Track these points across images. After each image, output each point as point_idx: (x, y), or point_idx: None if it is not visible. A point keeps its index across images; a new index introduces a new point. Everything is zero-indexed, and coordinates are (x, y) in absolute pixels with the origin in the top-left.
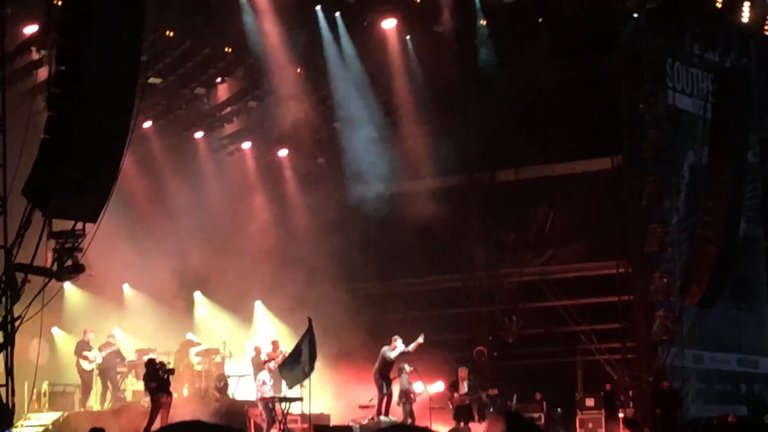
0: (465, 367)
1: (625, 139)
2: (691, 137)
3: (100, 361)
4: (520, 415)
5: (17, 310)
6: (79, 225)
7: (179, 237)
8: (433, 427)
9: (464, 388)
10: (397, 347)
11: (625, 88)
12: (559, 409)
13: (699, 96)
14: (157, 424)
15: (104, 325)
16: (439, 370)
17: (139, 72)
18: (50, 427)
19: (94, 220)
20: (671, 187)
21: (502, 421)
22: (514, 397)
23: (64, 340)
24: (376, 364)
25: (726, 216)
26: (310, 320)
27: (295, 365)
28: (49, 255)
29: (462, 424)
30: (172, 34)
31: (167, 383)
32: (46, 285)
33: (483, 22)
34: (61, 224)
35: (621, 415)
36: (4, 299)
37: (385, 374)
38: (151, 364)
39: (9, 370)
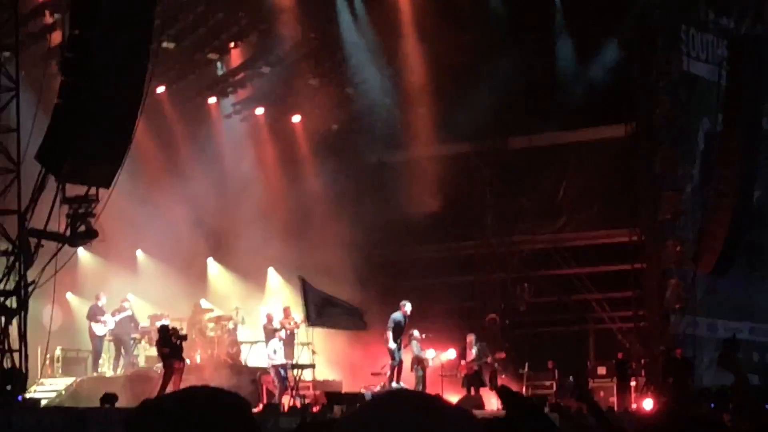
0: (472, 333)
1: (639, 106)
2: (705, 104)
3: (112, 326)
4: (512, 391)
5: (31, 275)
6: (93, 190)
7: (192, 203)
8: (445, 395)
9: (472, 354)
10: (403, 312)
11: (639, 54)
12: (571, 377)
13: (713, 62)
14: (169, 390)
15: (117, 290)
16: (451, 338)
17: (152, 36)
18: (63, 392)
19: (107, 186)
20: (685, 155)
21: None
22: (526, 365)
23: (77, 306)
24: (387, 331)
25: (739, 184)
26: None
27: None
28: (63, 220)
29: (473, 391)
30: None
31: (180, 349)
32: (59, 250)
33: None
34: (74, 189)
35: (633, 383)
36: (17, 264)
37: (395, 340)
38: (163, 330)
39: (22, 336)
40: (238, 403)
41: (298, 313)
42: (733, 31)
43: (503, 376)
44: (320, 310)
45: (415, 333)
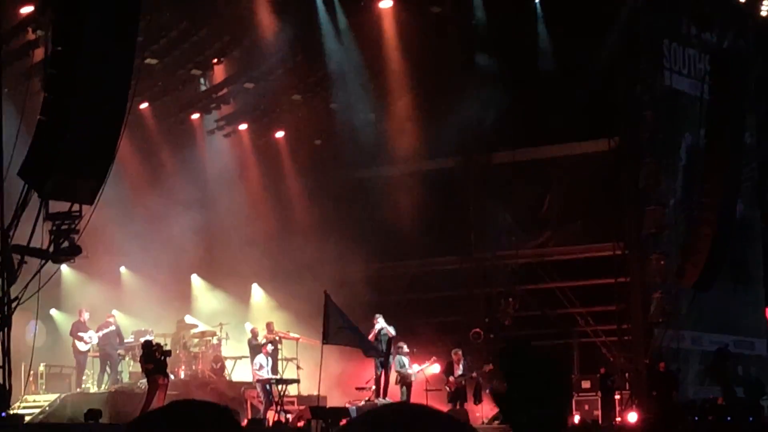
0: (458, 349)
1: (622, 121)
2: (688, 119)
3: (95, 341)
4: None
5: (14, 291)
6: (76, 206)
7: (176, 219)
8: None
9: (459, 370)
10: (376, 324)
11: (621, 69)
12: None
13: (696, 77)
14: (154, 406)
15: (101, 307)
16: (436, 352)
17: (135, 53)
18: (47, 408)
19: (90, 202)
20: (668, 169)
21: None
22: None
23: (61, 322)
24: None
25: (723, 198)
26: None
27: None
28: (46, 237)
29: (458, 406)
30: (168, 14)
31: (164, 365)
32: (42, 267)
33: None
34: (57, 206)
35: (617, 397)
36: (0, 281)
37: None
38: (147, 345)
39: (6, 352)
40: (227, 415)
41: (281, 328)
42: (716, 45)
43: (487, 390)
44: (337, 329)
45: (404, 347)
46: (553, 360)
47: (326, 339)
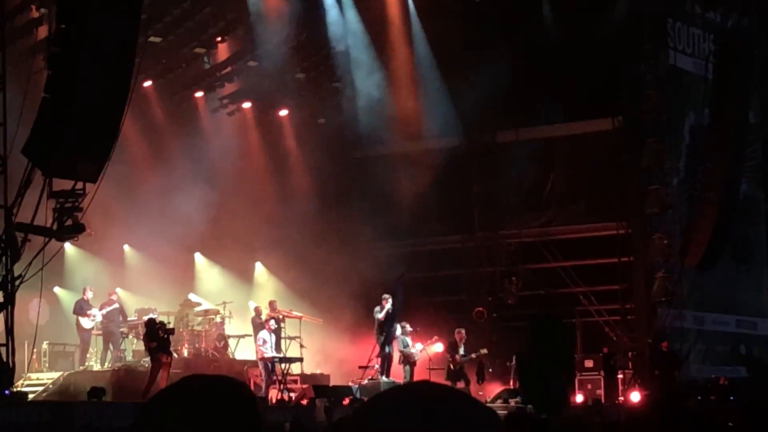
0: (462, 329)
1: (626, 100)
2: (691, 98)
3: (99, 319)
4: (544, 319)
5: (17, 269)
6: (80, 184)
7: (179, 197)
8: None
9: (461, 349)
10: (385, 306)
11: (625, 48)
12: None
13: (700, 56)
14: (157, 384)
15: (104, 285)
16: (439, 331)
17: (138, 30)
18: (50, 386)
19: (94, 180)
20: (672, 149)
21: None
22: (514, 357)
23: (65, 300)
24: (375, 325)
25: (726, 177)
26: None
27: None
28: (50, 215)
29: (458, 385)
30: None
31: (167, 343)
32: (46, 245)
33: None
34: (61, 184)
35: (620, 376)
36: (4, 259)
37: (381, 333)
38: (150, 323)
39: (9, 330)
40: (246, 392)
41: (284, 307)
42: (720, 24)
43: (490, 370)
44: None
45: (407, 327)
46: (569, 337)
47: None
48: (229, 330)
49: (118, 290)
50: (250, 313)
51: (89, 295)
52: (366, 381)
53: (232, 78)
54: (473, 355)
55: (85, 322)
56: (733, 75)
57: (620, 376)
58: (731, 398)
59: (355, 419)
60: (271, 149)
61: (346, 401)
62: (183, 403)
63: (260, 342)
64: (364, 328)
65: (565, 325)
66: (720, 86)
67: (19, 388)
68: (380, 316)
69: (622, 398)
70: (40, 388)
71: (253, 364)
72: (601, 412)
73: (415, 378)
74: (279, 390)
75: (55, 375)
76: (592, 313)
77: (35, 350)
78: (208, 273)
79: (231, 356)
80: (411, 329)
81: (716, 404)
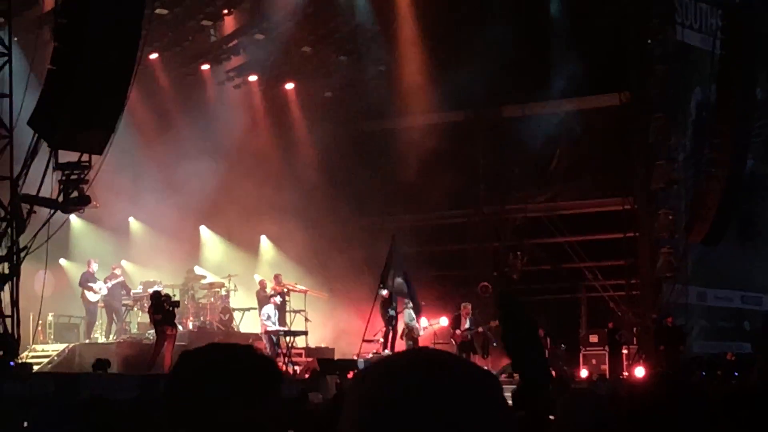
0: (468, 303)
1: (633, 75)
2: (698, 73)
3: (105, 292)
4: (511, 296)
5: (23, 241)
6: (85, 156)
7: (185, 170)
8: None
9: (466, 323)
10: (397, 278)
11: (633, 23)
12: (563, 345)
13: (708, 32)
14: (162, 357)
15: (110, 257)
16: (444, 306)
17: (145, 3)
18: (55, 358)
19: (100, 152)
20: (678, 124)
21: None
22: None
23: (71, 272)
24: (380, 300)
25: (732, 153)
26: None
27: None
28: (55, 186)
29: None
30: None
31: (172, 315)
32: (51, 216)
33: None
34: (67, 156)
35: (625, 351)
36: (9, 230)
37: (388, 309)
38: (156, 296)
39: (14, 302)
40: (271, 363)
41: (289, 281)
42: (728, 0)
43: (494, 344)
44: (395, 278)
45: (410, 302)
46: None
47: (384, 285)
48: (234, 303)
49: (123, 262)
50: (255, 286)
51: (94, 267)
52: (370, 355)
53: (239, 51)
54: (480, 329)
55: (91, 295)
56: (741, 51)
57: (625, 351)
58: (736, 374)
59: (355, 383)
60: (276, 122)
61: (351, 375)
62: (220, 361)
63: (264, 317)
64: (369, 302)
65: (520, 298)
66: (727, 62)
67: (24, 360)
68: (384, 292)
69: (626, 373)
70: (45, 360)
71: (258, 337)
72: (607, 387)
73: None
74: (284, 363)
75: (60, 347)
76: (597, 288)
77: (40, 322)
78: (213, 246)
79: (236, 329)
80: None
81: (722, 380)
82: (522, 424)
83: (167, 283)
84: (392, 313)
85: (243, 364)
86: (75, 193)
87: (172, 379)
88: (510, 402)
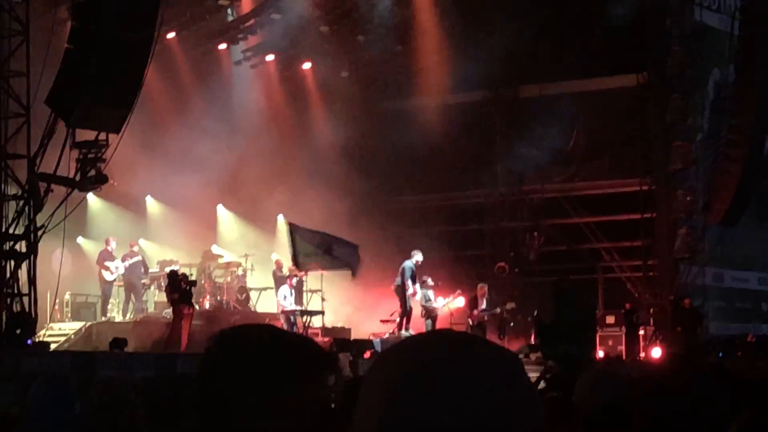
0: (484, 284)
1: (651, 56)
2: (716, 54)
3: (122, 271)
4: (565, 283)
5: (40, 219)
6: (103, 135)
7: (202, 149)
8: None
9: (483, 304)
10: (417, 261)
11: (651, 3)
12: None
13: (726, 12)
14: (178, 336)
15: (127, 236)
16: (461, 286)
17: None
18: (72, 336)
19: (117, 131)
20: (696, 105)
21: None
22: (536, 312)
23: (88, 250)
24: (398, 278)
25: (751, 134)
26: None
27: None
28: (73, 165)
29: None
30: None
31: (189, 295)
32: (69, 195)
33: None
34: (84, 134)
35: (641, 332)
36: (27, 209)
37: (406, 288)
38: (173, 275)
39: (32, 280)
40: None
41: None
42: None
43: (512, 324)
44: (305, 254)
45: (428, 281)
46: (591, 303)
47: (296, 264)
48: (250, 282)
49: (141, 241)
50: (272, 266)
51: (113, 245)
52: (387, 335)
53: (256, 30)
54: (497, 310)
55: (107, 275)
56: (760, 32)
57: (641, 332)
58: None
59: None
60: (293, 102)
61: (367, 354)
62: (262, 341)
63: (281, 297)
64: (387, 282)
65: (585, 288)
66: (746, 43)
67: (41, 338)
68: (411, 268)
69: (643, 354)
70: (62, 338)
71: (275, 316)
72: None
73: None
74: None
75: (78, 325)
76: (614, 269)
77: (57, 300)
78: (230, 225)
79: (252, 309)
80: (433, 283)
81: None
82: (556, 405)
83: (184, 263)
84: (408, 292)
85: (305, 354)
86: (92, 172)
87: (218, 359)
88: (542, 383)
